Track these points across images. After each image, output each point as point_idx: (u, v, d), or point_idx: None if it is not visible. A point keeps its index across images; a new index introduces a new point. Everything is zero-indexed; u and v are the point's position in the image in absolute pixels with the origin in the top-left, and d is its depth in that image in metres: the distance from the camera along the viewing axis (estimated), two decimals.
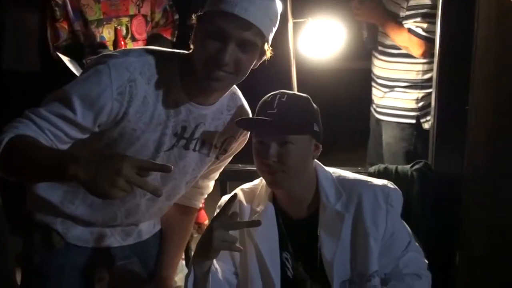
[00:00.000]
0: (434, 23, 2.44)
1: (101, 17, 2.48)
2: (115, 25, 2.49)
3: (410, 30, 2.51)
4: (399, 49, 2.60)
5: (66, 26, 2.46)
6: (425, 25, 2.48)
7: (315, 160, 1.56)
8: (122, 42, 2.50)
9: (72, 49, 2.39)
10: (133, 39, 2.57)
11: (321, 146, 1.53)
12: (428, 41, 2.46)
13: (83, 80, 1.32)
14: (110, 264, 1.64)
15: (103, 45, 2.44)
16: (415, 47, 2.51)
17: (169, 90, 1.39)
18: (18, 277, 1.78)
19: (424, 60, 2.56)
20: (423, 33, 2.47)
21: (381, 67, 2.72)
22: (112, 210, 1.53)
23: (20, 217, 1.62)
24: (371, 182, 1.55)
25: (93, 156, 1.17)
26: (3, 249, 2.10)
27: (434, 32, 2.45)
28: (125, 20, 2.53)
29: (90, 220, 1.54)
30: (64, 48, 2.42)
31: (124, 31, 2.53)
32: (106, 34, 2.49)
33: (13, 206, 2.10)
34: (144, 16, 2.62)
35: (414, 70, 2.61)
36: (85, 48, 2.40)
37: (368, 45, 2.76)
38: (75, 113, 1.29)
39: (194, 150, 1.50)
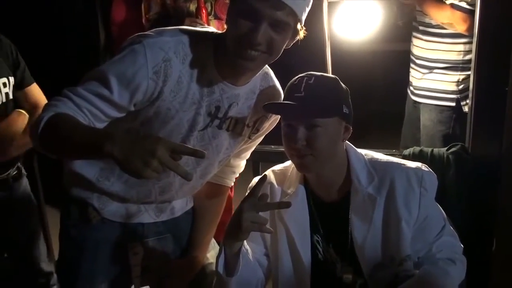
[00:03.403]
0: None
1: None
2: None
3: (453, 6, 2.43)
4: (440, 28, 2.53)
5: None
6: None
7: (347, 142, 1.54)
8: (204, 11, 2.53)
9: (161, 21, 2.45)
10: (216, 16, 2.59)
11: (351, 128, 1.50)
12: (473, 14, 2.39)
13: (119, 59, 1.34)
14: (144, 239, 1.68)
15: (191, 14, 2.47)
16: (460, 22, 2.42)
17: (203, 69, 1.40)
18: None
19: (465, 40, 2.48)
20: (467, 7, 2.39)
21: (421, 46, 2.66)
22: (146, 187, 1.56)
23: (57, 190, 1.67)
24: (404, 164, 1.53)
25: (128, 134, 1.19)
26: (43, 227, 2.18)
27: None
28: None
29: (125, 196, 1.57)
30: (153, 20, 2.47)
31: (209, 8, 2.56)
32: (193, 9, 2.54)
33: (50, 179, 2.17)
34: None
35: (455, 50, 2.54)
36: (172, 19, 2.45)
37: (398, 20, 2.70)
38: (112, 92, 1.32)
39: (227, 130, 1.51)
